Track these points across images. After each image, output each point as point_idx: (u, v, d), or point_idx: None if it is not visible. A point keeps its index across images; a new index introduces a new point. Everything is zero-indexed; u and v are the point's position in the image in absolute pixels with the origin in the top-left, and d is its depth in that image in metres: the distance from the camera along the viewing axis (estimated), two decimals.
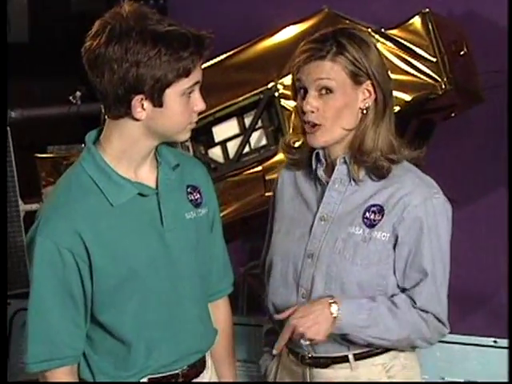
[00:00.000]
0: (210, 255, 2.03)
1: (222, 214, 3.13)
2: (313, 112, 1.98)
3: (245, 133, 3.18)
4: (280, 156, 3.13)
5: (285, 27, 3.17)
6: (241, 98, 3.17)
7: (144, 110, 1.78)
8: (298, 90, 2.02)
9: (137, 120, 1.79)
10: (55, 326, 1.82)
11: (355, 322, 1.94)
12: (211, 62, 3.21)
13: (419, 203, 1.97)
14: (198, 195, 1.97)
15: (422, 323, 1.99)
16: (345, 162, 2.02)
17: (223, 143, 3.23)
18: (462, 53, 3.08)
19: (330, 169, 2.04)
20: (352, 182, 2.02)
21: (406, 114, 2.94)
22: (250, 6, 3.97)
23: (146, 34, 1.74)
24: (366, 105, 1.99)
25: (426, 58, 2.96)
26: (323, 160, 2.05)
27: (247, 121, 3.20)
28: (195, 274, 1.95)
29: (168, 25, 1.76)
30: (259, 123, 3.18)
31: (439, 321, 2.01)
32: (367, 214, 1.99)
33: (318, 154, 2.05)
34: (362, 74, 1.98)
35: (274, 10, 3.71)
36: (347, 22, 3.09)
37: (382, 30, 3.02)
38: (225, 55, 3.22)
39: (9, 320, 2.76)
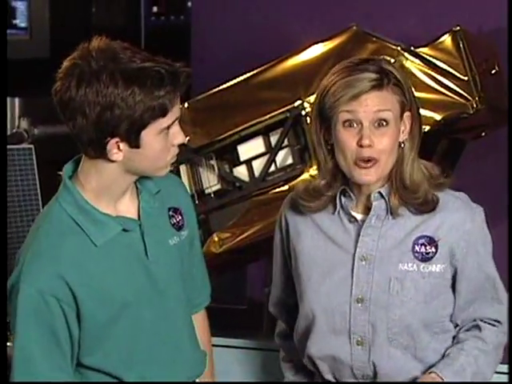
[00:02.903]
0: (191, 273, 1.98)
1: (247, 234, 3.14)
2: (370, 146, 1.88)
3: (271, 151, 3.13)
4: (306, 175, 3.10)
5: (312, 45, 3.12)
6: (267, 117, 3.11)
7: (120, 150, 1.72)
8: (341, 123, 1.90)
9: (113, 161, 1.73)
10: (42, 377, 1.75)
11: None
12: (237, 79, 3.19)
13: (470, 226, 1.93)
14: (180, 217, 1.92)
15: (503, 336, 2.00)
16: (382, 197, 1.94)
17: (249, 162, 3.18)
18: (493, 71, 3.03)
19: (362, 205, 1.96)
20: (389, 216, 1.93)
21: (436, 134, 2.89)
22: (277, 22, 3.94)
23: (117, 75, 1.66)
24: (404, 137, 1.93)
25: (456, 77, 2.90)
26: (353, 196, 1.96)
27: (273, 139, 3.15)
28: (183, 300, 1.91)
29: (141, 61, 1.69)
30: (285, 142, 3.13)
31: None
32: (417, 248, 1.91)
33: (344, 190, 1.97)
34: (407, 103, 1.92)
35: (301, 28, 3.68)
36: (376, 40, 3.04)
37: (412, 48, 2.97)
38: (251, 73, 3.18)
39: None
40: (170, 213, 1.90)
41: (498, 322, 1.97)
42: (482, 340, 1.94)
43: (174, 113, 1.73)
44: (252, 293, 4.01)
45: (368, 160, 1.88)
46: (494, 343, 1.96)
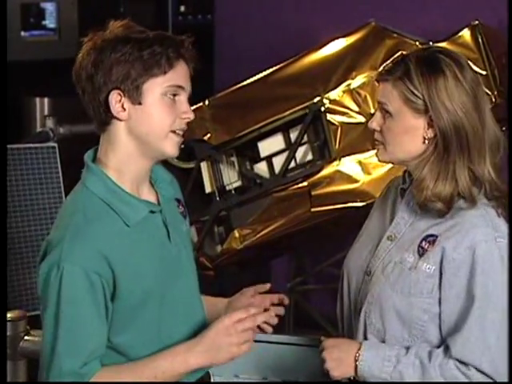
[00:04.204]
0: None
1: (267, 230, 3.15)
2: (376, 130, 1.92)
3: (290, 148, 3.15)
4: (326, 171, 3.11)
5: (331, 41, 3.13)
6: (287, 113, 3.14)
7: (124, 109, 1.77)
8: None
9: (120, 120, 1.77)
10: (94, 346, 1.77)
11: (379, 374, 1.86)
12: (257, 76, 3.21)
13: (474, 245, 1.83)
14: (183, 208, 1.98)
15: (461, 378, 1.81)
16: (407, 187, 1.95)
17: (269, 158, 3.21)
18: None
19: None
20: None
21: None
22: (296, 20, 3.96)
23: (121, 37, 1.76)
24: (429, 135, 1.86)
25: (475, 71, 2.89)
26: (407, 178, 1.97)
27: (293, 136, 3.17)
28: (196, 280, 1.96)
29: (149, 33, 1.77)
30: (305, 138, 3.15)
31: (484, 374, 1.81)
32: (423, 243, 1.88)
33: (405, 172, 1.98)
34: (419, 103, 1.84)
35: (320, 24, 3.69)
36: (394, 35, 3.04)
37: (431, 43, 2.96)
38: (271, 70, 3.21)
39: None
40: (176, 203, 1.97)
41: (462, 362, 1.82)
42: (430, 355, 1.83)
43: (177, 78, 1.76)
44: (276, 288, 4.02)
45: (377, 142, 1.94)
46: (435, 368, 1.82)
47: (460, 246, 1.84)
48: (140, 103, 1.77)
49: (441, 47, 2.00)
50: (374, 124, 1.92)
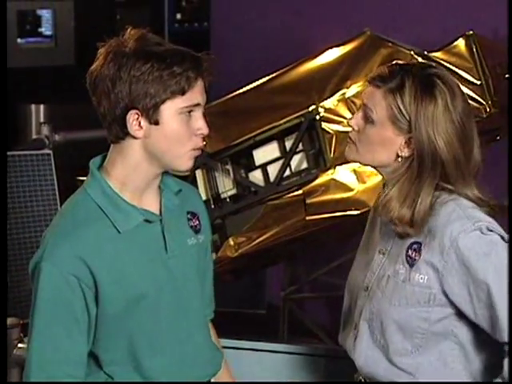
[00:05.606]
0: (204, 281, 2.01)
1: (262, 238, 3.16)
2: (354, 129, 1.93)
3: (285, 156, 3.15)
4: (321, 179, 3.11)
5: (326, 50, 3.14)
6: (282, 121, 3.13)
7: (141, 128, 1.77)
8: None
9: (135, 138, 1.78)
10: (60, 350, 1.78)
11: None
12: (252, 85, 3.21)
13: (455, 240, 1.83)
14: (197, 222, 1.96)
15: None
16: None
17: (264, 166, 3.20)
18: (507, 75, 3.02)
19: None
20: None
21: None
22: (292, 28, 3.97)
23: (140, 52, 1.75)
24: (403, 154, 1.88)
25: (470, 81, 2.90)
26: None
27: (288, 144, 3.16)
28: (198, 299, 1.94)
29: (167, 46, 1.77)
30: (300, 146, 3.15)
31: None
32: (409, 252, 1.89)
33: None
34: (403, 122, 1.85)
35: (315, 33, 3.70)
36: (390, 44, 3.05)
37: (425, 52, 2.98)
38: (266, 78, 3.21)
39: None
40: (189, 216, 1.95)
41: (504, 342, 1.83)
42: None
43: (195, 96, 1.77)
44: (270, 297, 4.03)
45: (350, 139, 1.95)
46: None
47: (443, 247, 1.84)
48: (157, 123, 1.77)
49: (439, 68, 1.98)
50: (353, 122, 1.93)
